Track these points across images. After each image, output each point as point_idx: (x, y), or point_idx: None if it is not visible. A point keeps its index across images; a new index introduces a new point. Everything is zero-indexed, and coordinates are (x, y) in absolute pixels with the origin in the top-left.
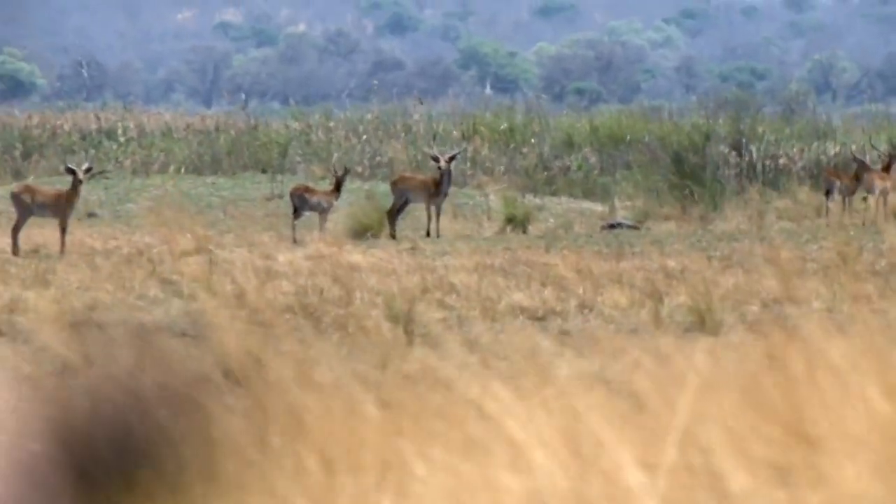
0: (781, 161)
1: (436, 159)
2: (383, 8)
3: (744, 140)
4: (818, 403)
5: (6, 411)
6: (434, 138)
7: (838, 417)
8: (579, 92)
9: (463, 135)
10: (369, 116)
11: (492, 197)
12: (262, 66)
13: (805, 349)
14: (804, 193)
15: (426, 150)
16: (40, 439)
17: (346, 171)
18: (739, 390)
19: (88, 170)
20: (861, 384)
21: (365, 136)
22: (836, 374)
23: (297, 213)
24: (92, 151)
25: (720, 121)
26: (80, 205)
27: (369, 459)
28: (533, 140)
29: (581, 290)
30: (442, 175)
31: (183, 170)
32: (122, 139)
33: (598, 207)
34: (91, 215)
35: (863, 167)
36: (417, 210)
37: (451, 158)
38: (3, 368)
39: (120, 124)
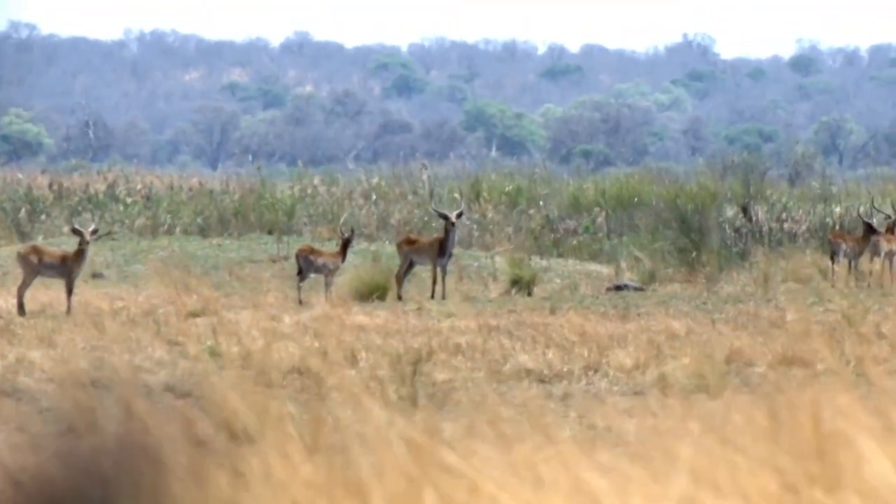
0: (787, 223)
1: (445, 217)
2: (390, 69)
3: (750, 202)
4: (822, 466)
5: (10, 469)
6: (431, 196)
7: (841, 480)
8: (586, 154)
9: (460, 193)
10: (376, 178)
11: (497, 258)
12: (269, 127)
13: (810, 411)
14: (810, 255)
15: (432, 207)
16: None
17: (353, 233)
18: (744, 451)
19: (95, 231)
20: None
21: (373, 198)
22: (842, 435)
23: (302, 274)
24: (98, 212)
25: (727, 183)
26: (86, 266)
27: None
28: (540, 202)
29: (586, 352)
30: (447, 234)
31: (189, 231)
32: (128, 200)
33: (604, 269)
34: (97, 276)
35: (869, 229)
36: (424, 271)
37: (459, 215)
38: (8, 429)
39: (126, 185)
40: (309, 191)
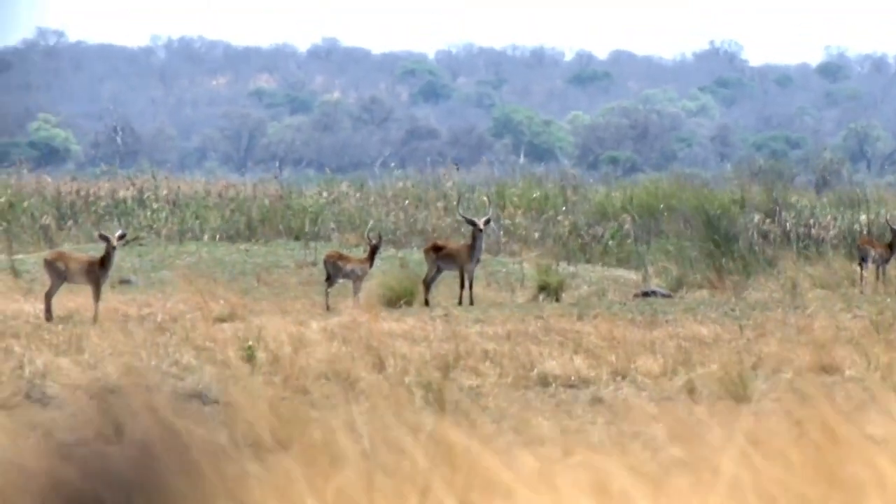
0: (815, 230)
1: (472, 223)
2: (417, 76)
3: (778, 208)
4: (851, 473)
5: (36, 477)
6: (458, 202)
7: (862, 491)
8: (614, 160)
9: (488, 199)
10: (403, 184)
11: (525, 264)
12: (296, 134)
13: (838, 418)
14: (838, 262)
15: (459, 214)
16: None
17: (381, 239)
18: (773, 457)
19: (122, 237)
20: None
21: (402, 204)
22: (870, 443)
23: (330, 280)
24: (125, 218)
25: (754, 189)
26: (113, 272)
27: None
28: (564, 208)
29: (614, 358)
30: (475, 240)
31: (217, 237)
32: (155, 206)
33: (632, 275)
34: (125, 282)
35: None
36: (451, 277)
37: (487, 222)
38: (36, 435)
39: (154, 191)
40: (336, 196)
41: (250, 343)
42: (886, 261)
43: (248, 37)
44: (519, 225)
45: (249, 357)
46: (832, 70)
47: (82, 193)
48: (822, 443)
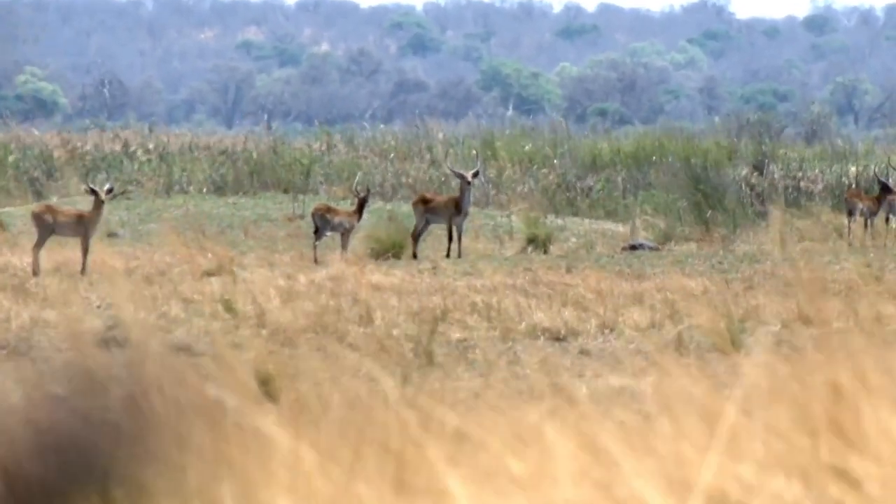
0: (803, 182)
1: (460, 176)
2: (405, 28)
3: (765, 161)
4: (842, 423)
5: (21, 430)
6: (446, 155)
7: (863, 437)
8: (602, 113)
9: (476, 152)
10: (391, 137)
11: (513, 217)
12: (284, 87)
13: (825, 370)
14: (826, 214)
15: (448, 167)
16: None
17: (369, 192)
18: (759, 411)
19: (110, 190)
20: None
21: (392, 156)
22: (859, 393)
23: (318, 233)
24: (113, 171)
25: (742, 142)
26: (102, 225)
27: (388, 481)
28: (556, 161)
29: (602, 311)
30: (463, 193)
31: (204, 190)
32: (143, 159)
33: (620, 228)
34: (112, 235)
35: (885, 189)
36: (440, 230)
37: (475, 175)
38: (23, 388)
39: (141, 145)
40: (324, 149)
41: (226, 297)
42: (874, 213)
43: None
44: (507, 178)
45: (228, 309)
46: (819, 23)
47: (70, 146)
48: (818, 393)
